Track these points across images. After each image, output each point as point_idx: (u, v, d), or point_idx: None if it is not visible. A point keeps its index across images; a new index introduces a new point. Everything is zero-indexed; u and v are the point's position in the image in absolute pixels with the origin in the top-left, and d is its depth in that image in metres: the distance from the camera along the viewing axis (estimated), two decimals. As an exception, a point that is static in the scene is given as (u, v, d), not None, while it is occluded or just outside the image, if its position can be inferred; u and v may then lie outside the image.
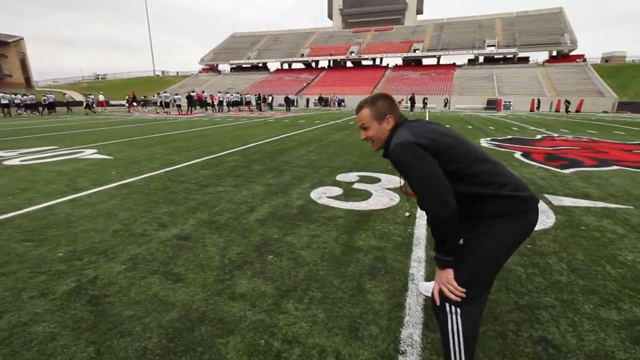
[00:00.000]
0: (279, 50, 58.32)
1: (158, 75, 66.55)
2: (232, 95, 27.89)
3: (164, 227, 2.97)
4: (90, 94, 26.44)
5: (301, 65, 57.61)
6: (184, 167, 5.35)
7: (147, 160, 6.02)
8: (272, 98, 30.97)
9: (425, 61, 52.31)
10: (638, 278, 2.17)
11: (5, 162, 6.01)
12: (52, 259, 2.42)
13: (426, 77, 45.71)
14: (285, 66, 58.51)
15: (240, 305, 1.87)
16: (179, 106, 23.91)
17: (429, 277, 2.15)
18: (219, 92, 27.86)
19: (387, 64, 52.98)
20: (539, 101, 33.66)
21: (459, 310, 1.17)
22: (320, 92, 42.39)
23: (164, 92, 26.03)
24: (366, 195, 3.86)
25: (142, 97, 30.48)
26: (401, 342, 1.59)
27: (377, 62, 53.70)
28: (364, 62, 54.16)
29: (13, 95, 23.30)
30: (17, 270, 2.27)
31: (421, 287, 2.04)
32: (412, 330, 1.67)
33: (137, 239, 2.72)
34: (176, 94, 25.66)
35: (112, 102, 31.79)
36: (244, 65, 58.71)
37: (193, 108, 25.02)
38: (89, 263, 2.35)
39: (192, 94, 25.54)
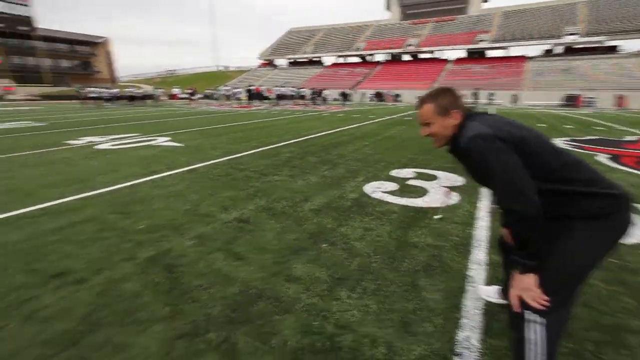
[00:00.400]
0: (334, 44, 58.28)
1: (220, 70, 70.83)
2: (288, 90, 28.71)
3: (226, 210, 3.21)
4: (159, 88, 29.12)
5: (356, 60, 57.00)
6: (244, 156, 5.68)
7: (211, 148, 6.49)
8: (327, 92, 31.23)
9: (491, 53, 48.42)
10: None
11: (97, 147, 6.93)
12: (135, 230, 2.76)
13: (492, 70, 42.33)
14: (341, 60, 58.36)
15: (295, 287, 1.97)
16: (238, 99, 25.26)
17: (490, 282, 2.04)
18: (276, 86, 28.84)
19: (447, 58, 50.09)
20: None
21: (540, 319, 1.07)
22: (375, 87, 41.63)
23: (224, 86, 27.66)
24: (422, 192, 3.75)
25: (210, 90, 32.68)
26: (457, 343, 1.55)
27: (438, 55, 51.02)
28: (422, 56, 51.85)
29: (101, 90, 26.55)
30: (110, 236, 2.63)
31: (481, 291, 1.95)
32: (469, 333, 1.61)
33: (203, 219, 2.98)
34: (236, 88, 27.15)
35: (179, 96, 34.74)
36: (299, 60, 59.83)
37: (252, 101, 26.27)
38: (164, 236, 2.64)
39: (251, 87, 26.80)
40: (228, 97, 25.58)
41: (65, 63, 55.67)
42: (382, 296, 1.89)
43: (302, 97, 28.33)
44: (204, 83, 57.42)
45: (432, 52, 50.50)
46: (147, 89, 31.26)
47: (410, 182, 4.16)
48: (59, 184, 4.16)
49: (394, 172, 4.60)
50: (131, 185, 4.07)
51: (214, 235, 2.66)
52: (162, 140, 7.55)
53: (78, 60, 57.73)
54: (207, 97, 29.05)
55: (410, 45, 50.58)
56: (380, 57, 54.72)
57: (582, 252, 1.07)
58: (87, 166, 5.14)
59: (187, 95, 26.97)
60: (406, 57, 53.47)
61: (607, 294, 1.94)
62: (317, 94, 28.68)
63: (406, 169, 4.77)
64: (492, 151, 1.07)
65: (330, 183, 4.06)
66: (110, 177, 4.44)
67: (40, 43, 48.14)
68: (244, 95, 26.13)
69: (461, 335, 1.60)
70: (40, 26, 49.36)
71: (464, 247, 2.49)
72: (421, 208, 3.25)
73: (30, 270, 2.19)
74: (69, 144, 7.31)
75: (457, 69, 45.13)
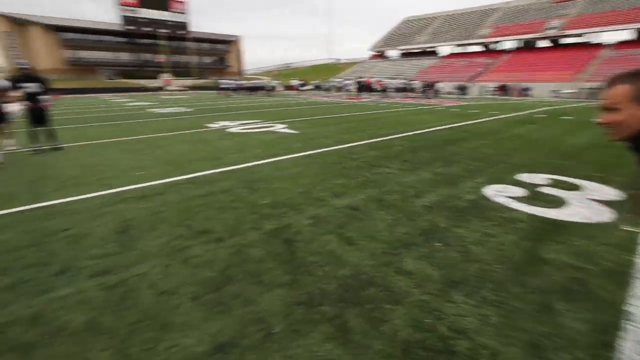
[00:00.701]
0: (453, 32, 53.44)
1: (332, 63, 73.28)
2: (397, 82, 27.88)
3: (338, 196, 3.35)
4: (276, 80, 31.89)
5: (478, 48, 51.16)
6: (354, 147, 5.81)
7: (323, 137, 6.84)
8: (440, 85, 29.11)
9: (675, 35, 36.83)
10: None
11: (229, 130, 8.08)
12: (260, 204, 3.14)
13: (673, 58, 32.33)
14: (459, 50, 53.33)
15: (406, 281, 1.94)
16: (348, 91, 25.79)
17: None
18: (386, 79, 28.32)
19: (602, 42, 40.36)
20: None
21: None
22: (498, 79, 36.78)
23: (336, 78, 28.55)
24: (559, 202, 3.19)
25: (314, 82, 34.30)
26: (606, 383, 1.29)
27: (587, 39, 41.61)
28: (564, 41, 43.10)
29: (231, 81, 30.69)
30: (240, 207, 3.07)
31: None
32: (625, 375, 1.32)
33: (316, 202, 3.18)
34: (347, 80, 27.73)
35: (296, 87, 37.59)
36: (412, 51, 57.10)
37: (361, 93, 26.47)
38: (284, 213, 2.93)
39: (360, 79, 26.99)
40: (339, 89, 26.41)
41: (206, 59, 66.22)
42: (505, 310, 1.70)
43: (413, 89, 27.15)
44: (317, 75, 60.42)
45: (580, 35, 41.51)
46: (265, 81, 34.78)
47: (544, 189, 3.57)
48: (201, 159, 5.03)
49: (522, 177, 4.02)
50: (255, 165, 4.63)
51: (327, 218, 2.82)
52: (279, 127, 8.32)
53: (216, 56, 67.86)
54: (317, 87, 30.50)
55: (551, 28, 42.65)
56: (508, 44, 47.84)
57: None
58: (221, 146, 6.06)
59: (297, 86, 28.88)
60: (542, 44, 45.37)
61: None
62: (429, 87, 27.05)
63: (538, 174, 4.11)
64: None
65: (444, 181, 3.82)
66: (239, 156, 5.14)
67: (191, 43, 58.26)
68: (353, 87, 26.53)
69: (613, 378, 1.33)
70: (191, 30, 59.69)
71: (620, 276, 2.03)
72: (558, 221, 2.77)
73: (185, 225, 2.72)
74: (208, 127, 8.73)
75: (616, 55, 36.11)
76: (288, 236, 2.50)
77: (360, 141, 6.31)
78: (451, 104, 17.77)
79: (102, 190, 3.60)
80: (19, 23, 48.50)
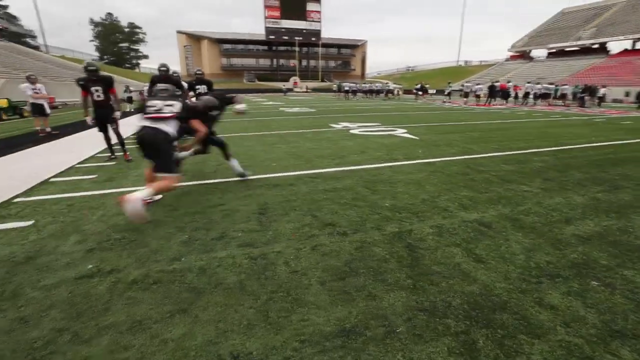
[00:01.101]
0: (633, 23, 42.14)
1: (460, 65, 67.61)
2: (541, 86, 23.76)
3: (465, 209, 3.13)
4: (398, 85, 31.14)
5: (672, 44, 39.05)
6: (482, 158, 5.29)
7: (446, 145, 6.45)
8: (604, 91, 23.45)
9: None
10: None
11: (351, 131, 8.42)
12: (381, 206, 3.20)
13: None
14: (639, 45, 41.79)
15: (549, 315, 1.70)
16: (477, 96, 23.42)
17: None
18: (528, 83, 24.52)
19: None
20: None
21: None
22: (701, 85, 27.30)
23: (466, 82, 26.26)
24: None
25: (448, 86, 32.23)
26: None
27: None
28: None
29: (352, 84, 31.68)
30: (362, 206, 3.20)
31: None
32: None
33: (441, 212, 3.05)
34: (477, 84, 25.17)
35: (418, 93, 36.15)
36: (567, 49, 47.70)
37: (493, 99, 23.70)
38: (406, 218, 2.92)
39: (495, 83, 24.12)
40: (466, 94, 24.30)
41: (332, 63, 70.16)
42: (700, 385, 1.32)
43: (563, 96, 22.77)
44: (442, 78, 56.94)
45: None
46: (379, 84, 34.56)
47: None
48: (326, 156, 5.41)
49: None
50: (376, 167, 4.71)
51: (452, 230, 2.68)
52: (399, 132, 8.22)
53: (341, 60, 71.20)
54: (440, 93, 28.58)
55: None
56: None
57: None
58: (344, 146, 6.38)
59: (415, 91, 27.57)
60: None
61: None
62: (586, 93, 22.17)
63: None
64: None
65: (606, 209, 3.13)
66: (361, 157, 5.32)
67: (320, 49, 62.73)
68: (483, 93, 23.95)
69: None
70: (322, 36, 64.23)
71: None
72: None
73: (312, 215, 3.00)
74: (331, 127, 9.30)
75: None
76: (410, 241, 2.49)
77: (490, 153, 5.70)
78: (621, 115, 14.20)
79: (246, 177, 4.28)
80: (194, 38, 61.42)
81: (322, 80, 59.90)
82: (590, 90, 21.11)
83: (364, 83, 37.67)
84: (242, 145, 6.55)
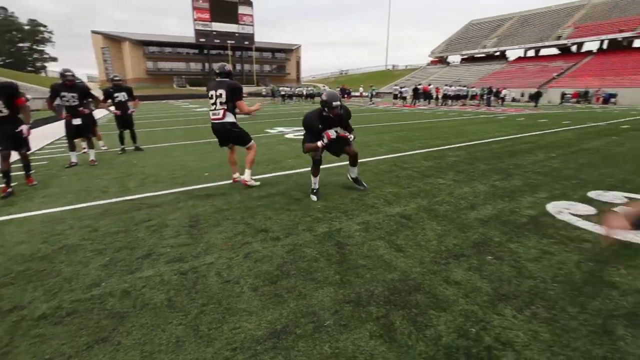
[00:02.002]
0: (525, 35, 49.52)
1: (389, 70, 72.37)
2: (457, 88, 26.62)
3: (389, 204, 3.42)
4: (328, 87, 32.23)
5: (554, 51, 46.73)
6: (407, 156, 5.79)
7: (376, 145, 6.90)
8: (505, 92, 27.11)
9: None
10: None
11: (286, 136, 8.52)
12: (313, 208, 3.34)
13: None
14: (531, 53, 49.23)
15: (454, 290, 1.97)
16: (404, 98, 25.32)
17: None
18: (445, 85, 27.25)
19: None
20: None
21: None
22: (578, 84, 33.15)
23: (394, 86, 28.23)
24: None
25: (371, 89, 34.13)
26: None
27: (696, 38, 35.58)
28: (665, 41, 37.36)
29: (287, 89, 31.95)
30: (295, 209, 3.30)
31: None
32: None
33: (368, 209, 3.29)
34: (403, 87, 27.24)
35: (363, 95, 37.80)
36: (476, 56, 54.11)
37: (417, 100, 25.83)
38: (336, 217, 3.09)
39: (418, 86, 26.33)
40: (395, 97, 26.10)
41: (267, 67, 69.80)
42: (557, 328, 1.66)
43: (473, 97, 25.77)
44: (372, 82, 60.09)
45: (684, 35, 35.67)
46: (313, 88, 35.34)
47: (619, 209, 3.25)
48: (261, 162, 5.42)
49: (593, 194, 3.70)
50: (309, 170, 4.86)
51: (377, 225, 2.92)
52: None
53: (276, 64, 71.22)
54: (370, 96, 30.09)
55: (645, 27, 37.37)
56: (592, 45, 42.88)
57: None
58: (279, 151, 6.45)
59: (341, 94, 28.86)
60: (637, 44, 39.88)
61: None
62: (490, 93, 25.38)
63: (613, 192, 3.75)
64: None
65: (501, 194, 3.67)
66: (296, 161, 5.44)
67: (254, 53, 62.01)
68: (409, 95, 26.00)
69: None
70: (255, 40, 63.58)
71: None
72: (632, 243, 2.54)
73: (246, 223, 3.01)
74: (267, 132, 9.30)
75: None
76: (339, 239, 2.65)
77: (413, 150, 6.26)
78: (517, 113, 16.54)
79: (175, 188, 4.10)
80: (112, 39, 56.13)
81: (258, 85, 59.23)
82: (494, 92, 24.20)
83: (299, 87, 38.18)
84: (171, 155, 6.23)
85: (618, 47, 41.50)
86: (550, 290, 1.97)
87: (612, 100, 28.19)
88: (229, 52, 57.96)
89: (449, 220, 2.98)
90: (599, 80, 33.36)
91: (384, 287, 2.01)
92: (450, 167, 4.93)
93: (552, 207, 3.30)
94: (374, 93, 28.16)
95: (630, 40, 40.13)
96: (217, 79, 3.94)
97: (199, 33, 56.54)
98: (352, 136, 3.66)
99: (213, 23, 57.21)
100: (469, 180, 4.21)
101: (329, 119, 3.53)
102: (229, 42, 57.98)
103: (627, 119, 13.26)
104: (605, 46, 42.57)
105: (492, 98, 23.70)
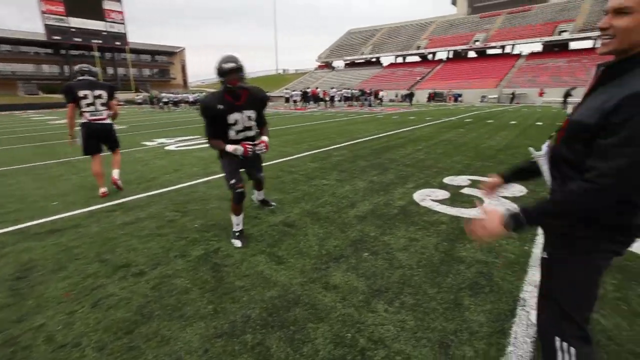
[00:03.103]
0: (394, 44, 56.95)
1: (279, 74, 73.62)
2: (342, 91, 28.77)
3: (273, 212, 3.31)
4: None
5: (416, 59, 55.04)
6: (294, 159, 5.83)
7: (265, 151, 6.77)
8: (383, 93, 30.57)
9: (573, 45, 43.03)
10: None
11: (167, 148, 7.67)
12: (190, 228, 2.99)
13: (575, 64, 37.66)
14: (400, 60, 56.85)
15: (332, 296, 1.96)
16: (294, 102, 26.00)
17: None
18: (332, 88, 29.09)
19: (520, 52, 45.78)
20: None
21: (574, 351, 1.01)
22: (434, 86, 39.71)
23: (285, 90, 28.74)
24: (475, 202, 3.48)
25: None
26: (502, 373, 1.41)
27: (508, 50, 46.93)
28: (489, 52, 48.14)
29: (172, 95, 29.33)
30: (168, 233, 2.89)
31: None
32: (517, 363, 1.45)
33: (251, 221, 3.12)
34: (293, 91, 27.99)
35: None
36: (357, 61, 59.60)
37: (307, 103, 26.85)
38: (215, 236, 2.82)
39: (306, 90, 27.41)
40: (287, 100, 26.53)
41: (147, 71, 62.70)
42: (420, 312, 1.79)
43: (357, 98, 28.22)
44: (264, 86, 59.77)
45: (502, 47, 46.62)
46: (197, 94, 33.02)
47: (465, 190, 3.88)
48: (131, 181, 4.68)
49: (448, 180, 4.34)
50: (190, 185, 4.42)
51: (259, 237, 2.77)
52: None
53: (157, 68, 64.58)
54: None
55: (477, 41, 47.33)
56: (442, 55, 52.12)
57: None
58: (155, 166, 5.71)
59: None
60: (472, 54, 50.16)
61: None
62: (369, 95, 28.22)
63: (461, 177, 4.47)
64: None
65: (378, 189, 3.97)
66: (174, 176, 4.88)
67: (129, 55, 54.86)
68: (299, 98, 26.86)
69: (507, 366, 1.45)
70: (130, 40, 56.30)
71: (520, 265, 2.25)
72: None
73: (101, 260, 2.49)
74: (144, 145, 8.20)
75: (529, 64, 41.03)
76: (217, 261, 2.41)
77: (301, 153, 6.36)
78: (393, 112, 18.72)
79: (3, 228, 3.17)
80: None
81: (138, 91, 52.58)
82: (373, 94, 26.98)
83: (185, 92, 35.40)
84: (8, 184, 4.86)
85: (459, 57, 51.29)
86: (416, 275, 2.15)
87: (460, 99, 34.68)
88: (96, 53, 49.89)
89: (331, 222, 3.04)
90: (449, 84, 40.58)
91: (262, 309, 1.87)
92: (334, 167, 5.15)
93: (418, 195, 3.72)
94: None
95: (466, 51, 50.12)
96: (89, 79, 3.96)
97: (51, 29, 47.05)
98: (263, 147, 2.67)
99: (70, 18, 48.33)
100: (350, 179, 4.44)
101: (233, 96, 2.56)
102: (94, 41, 49.91)
103: (470, 114, 16.39)
104: (451, 55, 52.04)
105: (372, 99, 26.35)
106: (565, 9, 45.91)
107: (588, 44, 42.19)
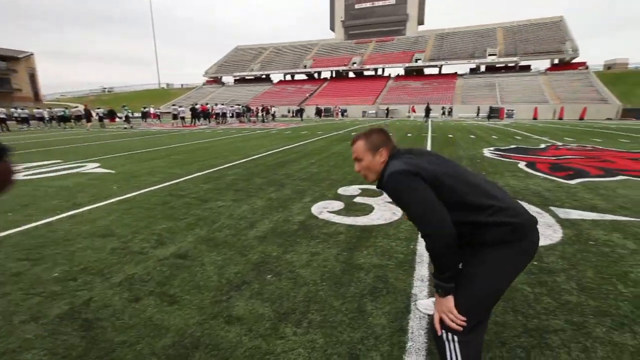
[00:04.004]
0: (282, 62, 59.15)
1: (163, 88, 67.60)
2: (234, 107, 28.16)
3: (162, 244, 2.92)
4: (100, 108, 26.70)
5: (304, 77, 58.32)
6: (184, 181, 5.33)
7: (148, 174, 6.01)
8: (274, 109, 31.20)
9: (427, 71, 52.64)
10: (652, 297, 2.07)
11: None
12: (46, 279, 2.37)
13: (428, 86, 45.94)
14: (288, 77, 59.22)
15: (236, 329, 1.80)
16: (182, 118, 24.14)
17: (430, 295, 2.07)
18: (222, 104, 28.14)
19: (390, 74, 53.46)
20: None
21: (456, 338, 1.15)
22: (323, 103, 42.69)
23: (172, 105, 26.41)
24: (368, 209, 3.80)
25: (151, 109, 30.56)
26: (404, 370, 1.51)
27: (380, 72, 54.22)
28: (366, 73, 54.71)
29: (14, 110, 23.61)
30: (10, 291, 2.22)
31: (420, 305, 1.98)
32: (414, 357, 1.59)
33: (135, 257, 2.67)
34: (180, 107, 25.96)
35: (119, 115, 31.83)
36: (247, 77, 59.49)
37: (197, 120, 25.28)
38: (84, 284, 2.30)
39: (196, 106, 25.83)
40: (175, 117, 24.24)
41: (-26, 81, 48.81)
42: (328, 328, 1.80)
43: (247, 115, 28.02)
44: (145, 101, 54.02)
45: (375, 69, 53.53)
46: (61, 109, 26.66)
47: (357, 199, 4.20)
48: (-49, 227, 3.49)
49: (341, 190, 4.62)
50: (47, 222, 3.56)
51: (145, 276, 2.38)
52: (90, 167, 6.83)
53: (-9, 78, 50.96)
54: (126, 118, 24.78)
55: (354, 63, 53.10)
56: (327, 74, 56.62)
57: (491, 276, 1.17)
58: (-8, 203, 4.41)
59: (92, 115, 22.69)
60: (352, 75, 55.99)
61: (533, 297, 2.07)
62: (265, 111, 28.44)
63: (352, 186, 4.83)
64: (404, 186, 1.17)
65: (276, 206, 3.94)
66: (21, 214, 3.85)
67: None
68: (187, 115, 25.03)
69: (408, 361, 1.57)
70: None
71: (408, 264, 2.52)
72: (366, 226, 3.27)
73: None
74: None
75: (397, 85, 48.21)
76: (88, 316, 1.95)
77: (192, 174, 5.88)
78: (284, 127, 19.21)
79: None
80: None
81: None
82: (266, 110, 27.29)
83: (37, 108, 28.82)
84: None
85: (341, 76, 56.64)
86: (320, 290, 2.17)
87: (345, 114, 38.13)
88: None
89: (230, 246, 2.85)
90: (335, 100, 44.21)
91: (153, 363, 1.58)
92: (229, 186, 4.91)
93: (315, 208, 3.84)
94: (130, 114, 23.70)
95: (347, 72, 55.78)
96: None
97: None
98: None
99: None
100: (247, 198, 4.30)
101: None
102: None
103: (355, 127, 18.14)
104: (334, 75, 57.04)
105: (265, 114, 26.57)
106: (417, 42, 55.96)
107: (435, 70, 52.31)
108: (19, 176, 6.09)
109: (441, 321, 1.17)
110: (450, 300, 1.16)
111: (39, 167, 7.07)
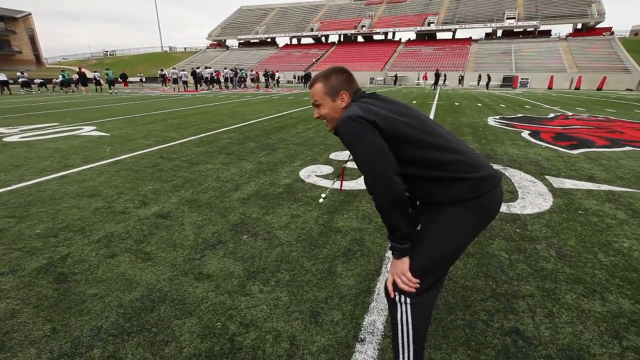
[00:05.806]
0: (288, 24, 56.65)
1: (166, 52, 65.92)
2: (231, 71, 27.38)
3: (145, 205, 2.93)
4: (96, 71, 26.28)
5: (310, 41, 56.02)
6: (177, 145, 5.29)
7: (143, 137, 5.97)
8: (279, 75, 30.36)
9: (439, 35, 50.10)
10: (631, 267, 2.03)
11: (5, 139, 6.06)
12: (29, 236, 2.41)
13: (440, 52, 43.92)
14: (295, 41, 56.99)
15: (204, 286, 1.83)
16: (185, 83, 23.70)
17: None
18: (225, 69, 27.44)
19: (400, 39, 51.05)
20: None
21: (409, 300, 1.09)
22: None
23: (172, 69, 25.87)
24: (358, 174, 3.74)
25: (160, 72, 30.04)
26: (362, 329, 1.52)
27: (390, 36, 51.78)
28: (375, 37, 52.32)
29: (19, 73, 23.39)
30: (-9, 246, 2.27)
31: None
32: (375, 317, 1.60)
33: (116, 217, 2.70)
34: (182, 70, 25.40)
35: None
36: (252, 41, 57.45)
37: (199, 85, 24.83)
38: (64, 240, 2.34)
39: (197, 70, 25.25)
40: (175, 81, 23.85)
41: (-26, 43, 48.06)
42: (295, 287, 1.81)
43: (253, 79, 27.37)
44: (149, 65, 53.05)
45: (385, 33, 51.07)
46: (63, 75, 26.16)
47: (349, 164, 4.12)
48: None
49: (333, 155, 4.55)
50: (37, 183, 3.59)
51: (124, 234, 2.40)
52: (86, 130, 6.81)
53: (-9, 39, 50.07)
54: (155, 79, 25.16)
55: (363, 26, 50.63)
56: (334, 38, 54.27)
57: (447, 235, 1.08)
58: (-13, 163, 4.45)
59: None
60: (360, 39, 53.59)
61: (508, 264, 2.05)
62: (270, 77, 27.69)
63: (346, 151, 4.73)
64: (356, 132, 1.04)
65: (265, 169, 3.90)
66: (13, 174, 3.89)
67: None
68: (190, 79, 24.55)
69: (367, 320, 1.58)
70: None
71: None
72: (352, 191, 3.23)
73: None
74: (-30, 138, 6.32)
75: (407, 50, 46.15)
76: (63, 270, 1.99)
77: (186, 138, 5.82)
78: (287, 93, 18.78)
79: None
80: None
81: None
82: (271, 75, 26.56)
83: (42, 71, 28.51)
84: None
85: (349, 40, 54.18)
86: (294, 251, 2.17)
87: (352, 80, 37.01)
88: None
89: (212, 208, 2.85)
90: (343, 65, 42.67)
91: (119, 315, 1.62)
92: (221, 150, 4.86)
93: (304, 172, 3.79)
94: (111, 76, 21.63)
95: (355, 36, 53.25)
96: None
97: None
98: None
99: None
100: (237, 161, 4.25)
101: None
102: None
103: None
104: (342, 39, 54.59)
105: (270, 80, 25.94)
106: (431, 3, 52.68)
107: (449, 35, 49.66)
108: (15, 138, 6.12)
109: (394, 283, 1.12)
110: (405, 262, 1.09)
111: (35, 129, 7.08)
